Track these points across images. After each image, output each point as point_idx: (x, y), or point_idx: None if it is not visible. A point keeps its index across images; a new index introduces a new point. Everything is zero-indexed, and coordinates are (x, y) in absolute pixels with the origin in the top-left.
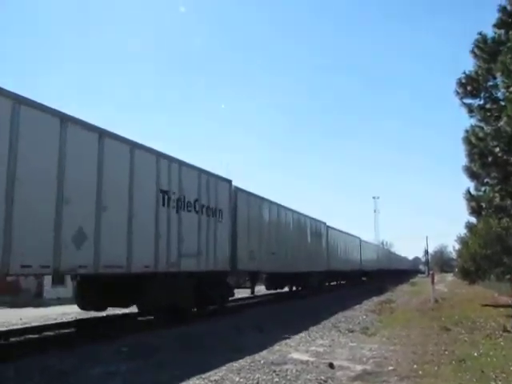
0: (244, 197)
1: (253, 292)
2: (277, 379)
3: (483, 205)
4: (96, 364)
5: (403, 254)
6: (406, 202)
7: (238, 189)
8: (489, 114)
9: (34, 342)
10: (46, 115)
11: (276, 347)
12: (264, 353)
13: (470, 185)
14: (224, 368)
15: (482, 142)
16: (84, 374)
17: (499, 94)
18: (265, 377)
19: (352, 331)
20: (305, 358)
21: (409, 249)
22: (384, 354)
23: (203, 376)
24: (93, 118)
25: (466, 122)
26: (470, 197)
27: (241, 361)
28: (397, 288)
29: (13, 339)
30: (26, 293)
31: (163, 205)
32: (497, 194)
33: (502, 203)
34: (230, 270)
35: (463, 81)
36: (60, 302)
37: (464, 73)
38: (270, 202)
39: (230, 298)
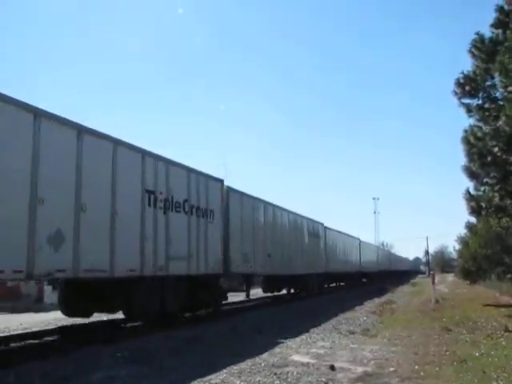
0: (237, 197)
1: (248, 295)
2: (278, 382)
3: (483, 204)
4: (96, 369)
5: (404, 255)
6: (406, 203)
7: (230, 188)
8: (487, 113)
9: (35, 348)
10: (18, 110)
11: (276, 349)
12: (265, 355)
13: (470, 185)
14: (225, 371)
15: (480, 142)
16: (85, 380)
17: (497, 94)
18: (266, 379)
19: (353, 333)
20: (305, 360)
21: (409, 249)
22: (385, 356)
23: (204, 379)
24: (94, 121)
25: (465, 121)
26: (469, 197)
27: (241, 364)
28: (397, 289)
29: (13, 345)
30: (26, 298)
31: (149, 205)
32: (496, 194)
33: (502, 203)
34: (223, 273)
35: (461, 81)
36: None
37: (462, 73)
38: (265, 203)
39: (225, 302)
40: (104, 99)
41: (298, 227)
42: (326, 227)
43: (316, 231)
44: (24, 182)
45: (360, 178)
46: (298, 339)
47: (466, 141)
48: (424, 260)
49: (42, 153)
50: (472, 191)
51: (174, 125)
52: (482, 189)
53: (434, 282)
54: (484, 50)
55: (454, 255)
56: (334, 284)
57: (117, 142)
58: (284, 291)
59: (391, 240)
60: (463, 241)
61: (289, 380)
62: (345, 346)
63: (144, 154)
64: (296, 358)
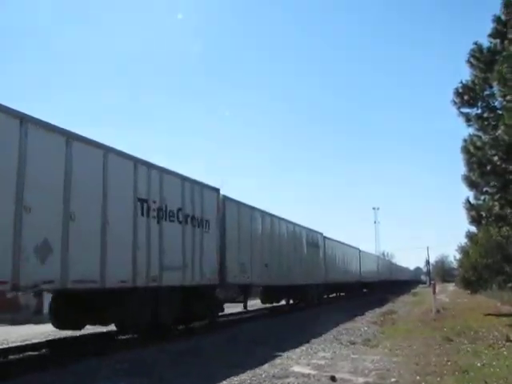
0: (233, 206)
1: (245, 307)
2: None
3: (483, 214)
4: (95, 381)
5: (404, 265)
6: (407, 213)
7: (226, 198)
8: (486, 123)
9: (34, 360)
10: (3, 115)
11: (277, 361)
12: (265, 366)
13: (470, 194)
14: (225, 382)
15: (480, 151)
16: None
17: (496, 103)
18: None
19: (354, 343)
20: (306, 371)
21: (410, 259)
22: (386, 366)
23: None
24: (93, 132)
25: (465, 131)
26: (469, 206)
27: (242, 375)
28: (398, 299)
29: (12, 357)
30: (25, 309)
31: (142, 214)
32: (496, 203)
33: (502, 212)
34: (219, 284)
35: (460, 90)
36: None
37: (461, 82)
38: (262, 212)
39: (221, 313)
40: (102, 107)
41: (296, 237)
42: (325, 237)
43: (315, 241)
44: (10, 189)
45: (360, 188)
46: (298, 350)
47: (465, 150)
48: (425, 270)
49: (29, 159)
50: (472, 200)
51: (173, 135)
52: (482, 198)
53: (434, 292)
54: (482, 59)
55: (455, 265)
56: (334, 294)
57: (107, 149)
58: (283, 302)
59: (392, 250)
60: (464, 250)
61: None
62: (346, 356)
63: (136, 161)
64: (297, 369)
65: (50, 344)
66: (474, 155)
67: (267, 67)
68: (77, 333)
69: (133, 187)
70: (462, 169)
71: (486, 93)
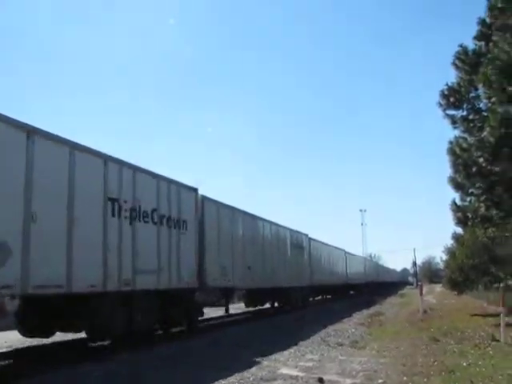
0: (213, 207)
1: (227, 310)
2: None
3: (469, 215)
4: None
5: (391, 266)
6: (393, 214)
7: (205, 198)
8: (472, 124)
9: (20, 365)
10: None
11: (265, 363)
12: (253, 369)
13: (456, 195)
14: None
15: (465, 153)
16: None
17: (481, 105)
18: None
19: (341, 345)
20: (294, 373)
21: (397, 261)
22: (374, 367)
23: None
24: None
25: (450, 133)
26: (455, 207)
27: (230, 378)
28: (386, 300)
29: None
30: (11, 315)
31: (113, 215)
32: (482, 204)
33: (488, 213)
34: (198, 287)
35: (446, 92)
36: None
37: (446, 84)
38: (244, 213)
39: (202, 318)
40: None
41: (280, 238)
42: (310, 238)
43: (300, 242)
44: None
45: (347, 190)
46: (286, 352)
47: (451, 152)
48: (412, 271)
49: None
50: (458, 202)
51: (159, 144)
52: (468, 199)
53: (421, 293)
54: (468, 61)
55: (442, 266)
56: (320, 297)
57: (74, 146)
58: (267, 305)
59: (379, 251)
60: (450, 251)
61: None
62: (333, 358)
63: (106, 158)
64: (285, 371)
65: (17, 353)
66: (459, 157)
67: (254, 69)
68: (45, 340)
69: (102, 186)
70: (448, 170)
71: (472, 95)
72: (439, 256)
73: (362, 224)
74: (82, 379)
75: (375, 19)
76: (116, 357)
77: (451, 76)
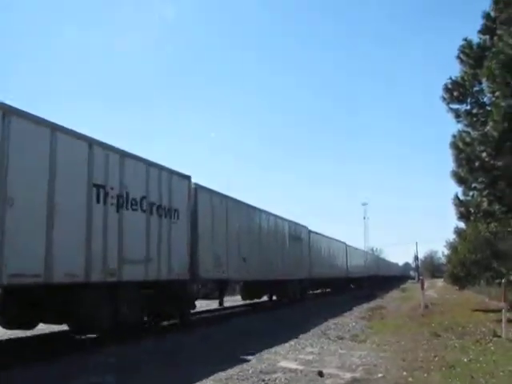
0: (207, 196)
1: (221, 303)
2: None
3: (471, 210)
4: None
5: (393, 260)
6: (396, 208)
7: (198, 186)
8: (475, 119)
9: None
10: None
11: (265, 356)
12: (253, 361)
13: (459, 190)
14: (211, 378)
15: (469, 147)
16: None
17: (485, 99)
18: None
19: (341, 338)
20: (294, 366)
21: (399, 255)
22: (373, 362)
23: None
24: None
25: (453, 127)
26: (458, 202)
27: (229, 370)
28: (387, 294)
29: None
30: None
31: (98, 201)
32: (484, 199)
33: (490, 208)
34: (190, 279)
35: (449, 86)
36: None
37: (450, 78)
38: (239, 202)
39: (196, 311)
40: (94, 102)
41: (278, 230)
42: (309, 230)
43: (299, 234)
44: None
45: (349, 183)
46: (286, 345)
47: (454, 146)
48: (413, 265)
49: None
50: (461, 196)
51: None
52: (471, 194)
53: (423, 288)
54: (472, 55)
55: (444, 260)
56: (320, 290)
57: (55, 128)
58: (265, 298)
59: (381, 245)
60: (452, 246)
61: None
62: (333, 351)
63: (92, 142)
64: (284, 364)
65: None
66: (462, 151)
67: (253, 68)
68: (27, 333)
69: (87, 171)
70: (450, 165)
71: (476, 89)
72: (441, 250)
73: (364, 218)
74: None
75: (375, 19)
76: (104, 350)
77: (448, 75)
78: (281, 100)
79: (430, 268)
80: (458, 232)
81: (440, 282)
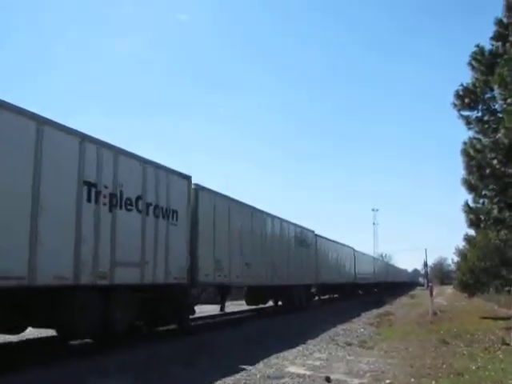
0: (208, 197)
1: (222, 309)
2: None
3: (482, 217)
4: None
5: (402, 267)
6: (406, 215)
7: (199, 187)
8: (487, 126)
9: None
10: None
11: (272, 361)
12: (260, 366)
13: (469, 197)
14: (219, 382)
15: (479, 154)
16: None
17: (497, 106)
18: None
19: (350, 344)
20: (301, 371)
21: (408, 261)
22: (381, 368)
23: None
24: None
25: (464, 134)
26: (468, 209)
27: (236, 375)
28: (395, 301)
29: None
30: None
31: (89, 200)
32: (495, 206)
33: (500, 215)
34: (189, 283)
35: (461, 93)
36: None
37: (461, 85)
38: (243, 205)
39: (197, 316)
40: (102, 103)
41: (283, 234)
42: (316, 235)
43: (305, 239)
44: None
45: (359, 188)
46: (294, 350)
47: (465, 153)
48: (423, 272)
49: None
50: (471, 203)
51: (174, 130)
52: (481, 201)
53: (432, 295)
54: (484, 62)
55: (453, 267)
56: (327, 296)
57: (42, 121)
58: (270, 303)
59: (390, 251)
60: (462, 253)
61: None
62: (341, 357)
63: (83, 138)
64: (292, 369)
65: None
66: (473, 158)
67: (258, 70)
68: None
69: (77, 168)
70: (461, 172)
71: (487, 95)
72: (451, 257)
73: (373, 223)
74: None
75: (375, 19)
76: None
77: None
78: (292, 108)
79: (439, 275)
80: (468, 239)
81: (449, 289)
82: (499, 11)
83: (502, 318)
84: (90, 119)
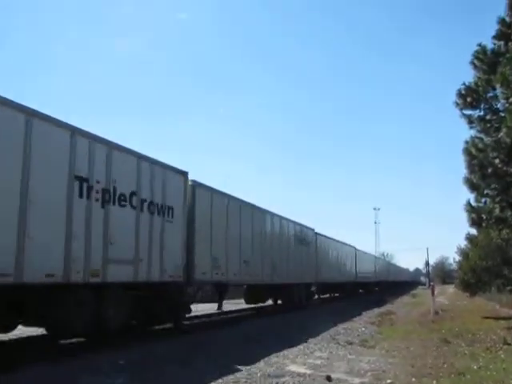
0: (205, 194)
1: (220, 307)
2: None
3: (483, 216)
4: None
5: (404, 266)
6: (407, 214)
7: (197, 183)
8: (489, 125)
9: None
10: None
11: (273, 359)
12: (261, 365)
13: (471, 196)
14: (220, 381)
15: (481, 153)
16: None
17: (499, 105)
18: None
19: (351, 343)
20: (302, 370)
21: (410, 260)
22: (382, 367)
23: None
24: (96, 126)
25: (466, 133)
26: (470, 208)
27: (237, 373)
28: (397, 300)
29: None
30: None
31: (80, 196)
32: (497, 205)
33: (502, 214)
34: (185, 281)
35: (463, 92)
36: None
37: (464, 84)
38: (241, 202)
39: (196, 315)
40: (102, 104)
41: (283, 232)
42: (316, 233)
43: (305, 237)
44: None
45: (360, 188)
46: (295, 349)
47: (467, 152)
48: (424, 271)
49: None
50: (473, 203)
51: (174, 130)
52: (483, 200)
53: (433, 294)
54: (486, 61)
55: (455, 267)
56: (328, 295)
57: (31, 113)
58: (270, 302)
59: (392, 250)
60: (463, 252)
61: None
62: (342, 356)
63: (74, 131)
64: (293, 368)
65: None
66: (475, 157)
67: (258, 69)
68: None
69: (68, 162)
70: (462, 171)
71: (489, 94)
72: (452, 257)
73: (375, 222)
74: None
75: (375, 20)
76: (131, 349)
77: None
78: (292, 108)
79: (440, 274)
80: (470, 238)
81: (451, 289)
82: (500, 10)
83: (504, 318)
84: (91, 120)
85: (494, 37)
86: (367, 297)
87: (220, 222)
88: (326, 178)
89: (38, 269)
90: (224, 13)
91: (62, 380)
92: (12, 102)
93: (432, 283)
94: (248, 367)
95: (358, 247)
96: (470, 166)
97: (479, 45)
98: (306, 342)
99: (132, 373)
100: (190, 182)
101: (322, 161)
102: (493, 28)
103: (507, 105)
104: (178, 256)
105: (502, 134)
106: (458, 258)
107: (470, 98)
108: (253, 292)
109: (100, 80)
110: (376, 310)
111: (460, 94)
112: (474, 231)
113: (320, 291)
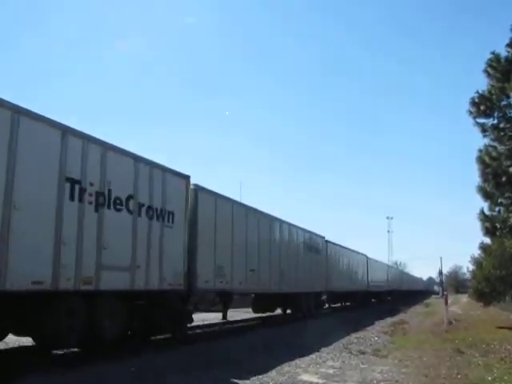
0: (209, 198)
1: (225, 317)
2: None
3: (497, 225)
4: None
5: (417, 275)
6: (421, 222)
7: (199, 188)
8: (502, 133)
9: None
10: None
11: (285, 368)
12: (273, 374)
13: (484, 205)
14: None
15: (495, 162)
16: None
17: None
18: None
19: (363, 353)
20: (314, 379)
21: (423, 269)
22: (395, 377)
23: None
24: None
25: (480, 141)
26: (484, 217)
27: (248, 382)
28: (410, 309)
29: None
30: None
31: (71, 198)
32: (511, 214)
33: None
34: (187, 290)
35: (476, 100)
36: None
37: (477, 92)
38: (248, 207)
39: (200, 324)
40: (109, 111)
41: (292, 239)
42: (327, 241)
43: (315, 245)
44: None
45: (374, 197)
46: (307, 358)
47: (480, 160)
48: (438, 280)
49: None
50: (487, 211)
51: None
52: (497, 209)
53: (446, 303)
54: (499, 69)
55: (468, 276)
56: (339, 304)
57: (18, 111)
58: (279, 311)
59: (405, 259)
60: (477, 261)
61: None
62: (355, 366)
63: (65, 131)
64: (305, 377)
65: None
66: (489, 166)
67: (257, 69)
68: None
69: (58, 163)
70: (476, 179)
71: (503, 103)
72: (466, 266)
73: (388, 231)
74: None
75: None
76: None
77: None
78: (306, 115)
79: (454, 283)
80: (484, 247)
81: (464, 298)
82: (500, 10)
83: None
84: (90, 120)
85: (508, 45)
86: (380, 306)
87: (225, 228)
88: (339, 187)
89: (24, 276)
90: (224, 12)
91: None
92: None
93: (445, 292)
94: (260, 376)
95: (370, 255)
96: (484, 175)
97: (493, 53)
98: (318, 351)
99: None
100: (192, 186)
101: (334, 170)
102: (492, 28)
103: None
104: (178, 263)
105: None
106: (471, 267)
107: (483, 106)
108: (261, 301)
109: (100, 81)
110: (389, 320)
111: (473, 102)
112: (487, 240)
113: (331, 300)
